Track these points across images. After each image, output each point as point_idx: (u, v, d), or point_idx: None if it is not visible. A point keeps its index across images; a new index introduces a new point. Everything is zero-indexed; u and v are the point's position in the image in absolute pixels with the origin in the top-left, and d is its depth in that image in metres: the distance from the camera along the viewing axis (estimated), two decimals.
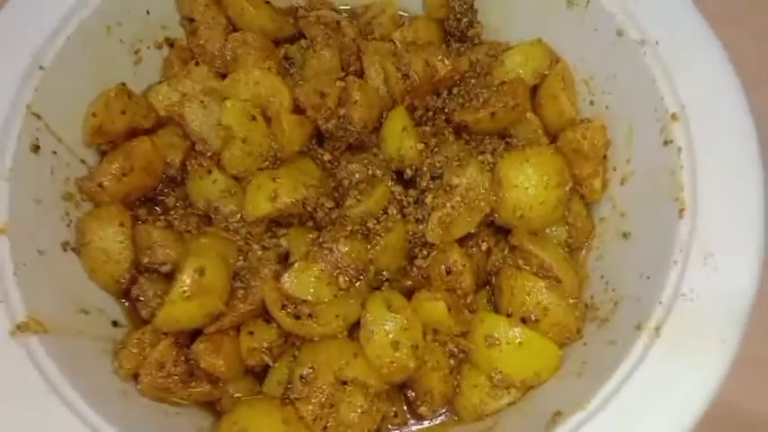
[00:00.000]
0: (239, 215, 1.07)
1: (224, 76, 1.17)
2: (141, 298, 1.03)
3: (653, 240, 0.99)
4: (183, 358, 0.99)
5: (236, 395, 1.02)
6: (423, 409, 1.02)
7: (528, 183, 1.03)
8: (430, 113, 1.18)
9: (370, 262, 1.00)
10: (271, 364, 1.00)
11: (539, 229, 1.09)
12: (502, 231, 1.11)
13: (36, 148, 1.02)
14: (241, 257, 1.04)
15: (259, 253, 1.03)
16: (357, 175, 1.10)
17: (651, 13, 1.07)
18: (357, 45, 1.21)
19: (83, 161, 1.11)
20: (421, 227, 1.04)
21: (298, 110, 1.12)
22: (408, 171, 1.12)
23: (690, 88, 1.00)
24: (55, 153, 1.06)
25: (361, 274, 0.98)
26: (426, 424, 1.06)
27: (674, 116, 1.00)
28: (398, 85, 1.13)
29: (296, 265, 0.97)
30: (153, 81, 1.22)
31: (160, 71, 1.24)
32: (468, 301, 1.05)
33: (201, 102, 1.09)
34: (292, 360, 0.99)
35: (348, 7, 1.35)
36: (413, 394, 1.03)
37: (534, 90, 1.21)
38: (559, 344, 1.01)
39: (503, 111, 1.13)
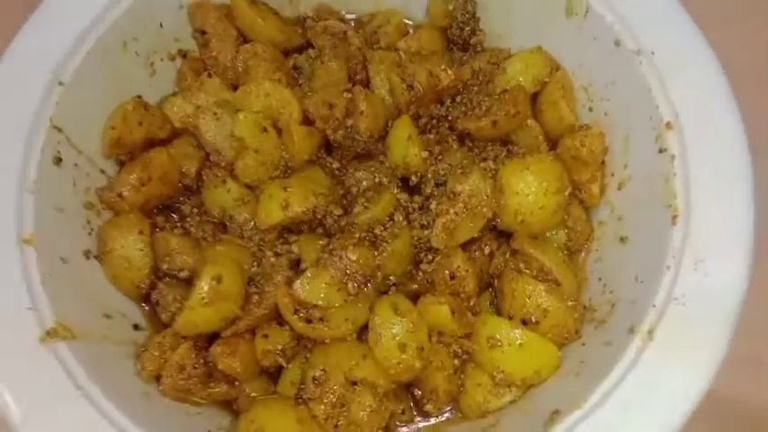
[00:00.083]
0: (252, 223, 1.08)
1: (236, 87, 1.17)
2: (161, 302, 1.06)
3: (648, 245, 1.00)
4: (201, 360, 1.02)
5: (252, 394, 1.05)
6: (429, 407, 1.05)
7: (528, 189, 1.04)
8: (434, 121, 1.19)
9: (377, 268, 1.02)
10: (284, 365, 1.03)
11: (539, 233, 1.10)
12: (504, 235, 1.12)
13: (58, 161, 1.04)
14: (255, 263, 1.06)
15: (272, 260, 1.05)
16: (364, 183, 1.11)
17: (647, 23, 1.07)
18: (363, 54, 1.22)
19: (102, 171, 1.12)
20: (426, 232, 1.06)
21: (307, 120, 1.13)
22: (413, 178, 1.13)
23: (684, 98, 1.01)
24: (76, 165, 1.07)
25: (369, 280, 1.00)
26: (432, 421, 1.09)
27: (668, 125, 1.01)
28: (403, 95, 1.14)
29: (307, 272, 1.00)
30: (167, 91, 1.24)
31: (174, 82, 1.26)
32: (472, 303, 1.07)
33: (215, 114, 1.11)
34: (305, 361, 1.02)
35: (354, 16, 1.36)
36: (419, 393, 1.06)
37: (535, 96, 1.22)
38: (559, 344, 1.03)
39: (504, 119, 1.14)
